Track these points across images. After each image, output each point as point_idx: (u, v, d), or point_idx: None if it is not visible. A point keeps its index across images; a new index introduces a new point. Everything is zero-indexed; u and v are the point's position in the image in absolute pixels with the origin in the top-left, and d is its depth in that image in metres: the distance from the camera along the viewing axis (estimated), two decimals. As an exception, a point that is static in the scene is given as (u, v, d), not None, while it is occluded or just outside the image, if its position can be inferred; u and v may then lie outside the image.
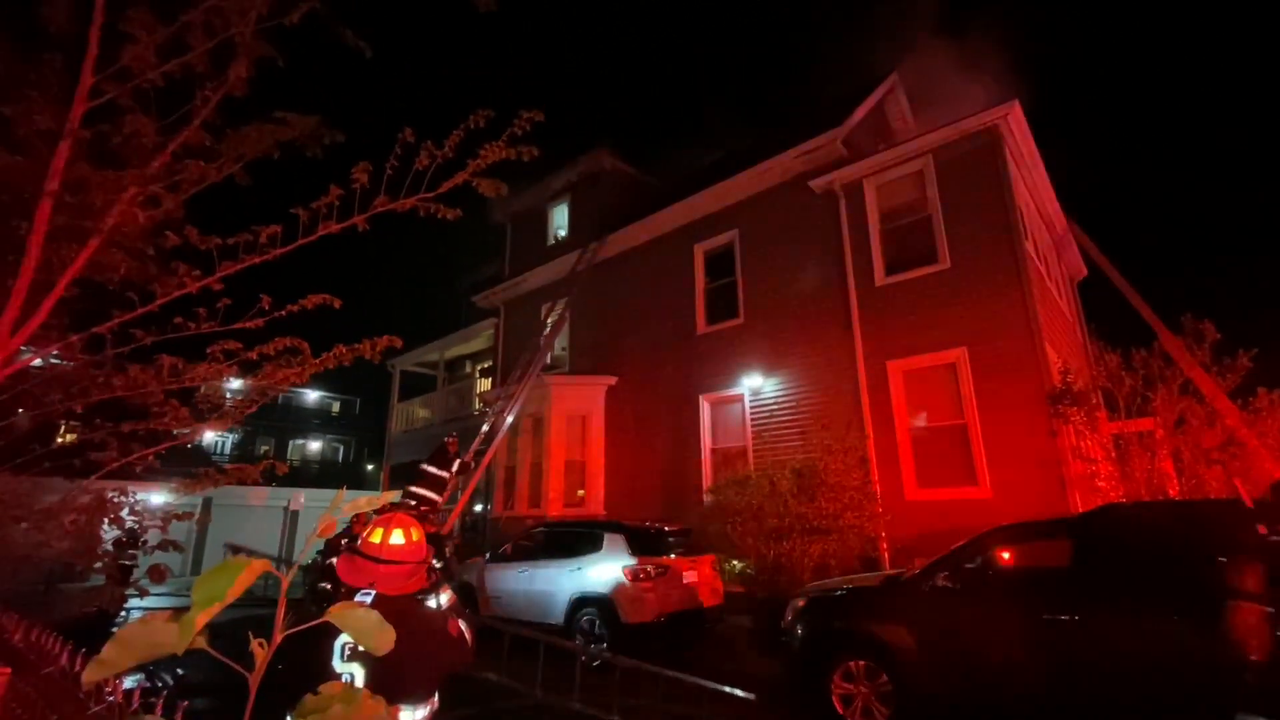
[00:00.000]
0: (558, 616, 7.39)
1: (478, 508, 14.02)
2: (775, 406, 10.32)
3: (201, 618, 0.70)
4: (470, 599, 8.49)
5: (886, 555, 8.39)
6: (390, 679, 1.75)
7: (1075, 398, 7.53)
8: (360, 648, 1.44)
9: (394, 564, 1.99)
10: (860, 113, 10.95)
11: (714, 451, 11.11)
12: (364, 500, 0.94)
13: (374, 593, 1.94)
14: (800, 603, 5.35)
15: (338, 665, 1.80)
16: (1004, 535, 4.77)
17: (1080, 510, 6.85)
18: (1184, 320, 7.71)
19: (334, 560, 6.40)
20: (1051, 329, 9.06)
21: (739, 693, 4.90)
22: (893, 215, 9.85)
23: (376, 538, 2.03)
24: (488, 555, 8.74)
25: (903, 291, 9.36)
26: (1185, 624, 3.66)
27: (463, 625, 2.13)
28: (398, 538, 2.04)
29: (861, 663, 4.72)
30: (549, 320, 13.15)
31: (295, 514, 20.40)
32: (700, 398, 11.37)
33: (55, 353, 4.00)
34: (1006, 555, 4.80)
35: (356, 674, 1.80)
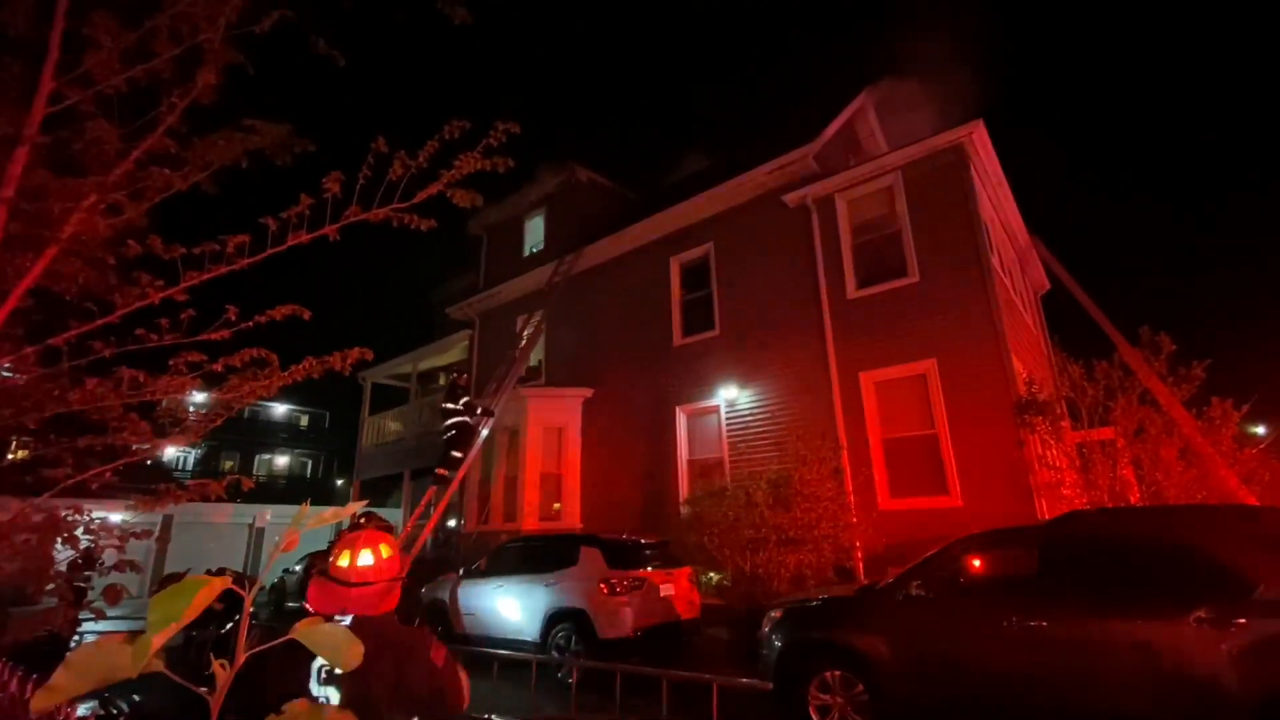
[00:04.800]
0: (533, 633, 7.28)
1: (451, 523, 13.79)
2: (751, 418, 10.38)
3: (158, 639, 0.67)
4: (442, 617, 8.32)
5: (861, 564, 8.46)
6: (364, 706, 1.68)
7: (1040, 408, 7.73)
8: (336, 670, 1.37)
9: (365, 585, 1.90)
10: (832, 129, 11.18)
11: (691, 463, 11.12)
12: (329, 513, 0.92)
13: (350, 617, 1.87)
14: (776, 614, 5.36)
15: (315, 689, 1.74)
16: (973, 543, 4.85)
17: (1046, 517, 7.01)
18: (1142, 332, 7.95)
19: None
20: (1017, 341, 9.30)
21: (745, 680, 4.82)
22: (864, 229, 10.05)
23: (344, 560, 1.94)
24: (461, 571, 8.59)
25: (874, 304, 9.54)
26: (1147, 628, 3.75)
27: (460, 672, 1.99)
28: (366, 558, 1.94)
29: (837, 673, 4.73)
30: (525, 332, 13.07)
31: (260, 531, 19.81)
32: (677, 409, 11.40)
33: (8, 365, 3.85)
34: (977, 563, 4.88)
35: (332, 698, 1.73)
